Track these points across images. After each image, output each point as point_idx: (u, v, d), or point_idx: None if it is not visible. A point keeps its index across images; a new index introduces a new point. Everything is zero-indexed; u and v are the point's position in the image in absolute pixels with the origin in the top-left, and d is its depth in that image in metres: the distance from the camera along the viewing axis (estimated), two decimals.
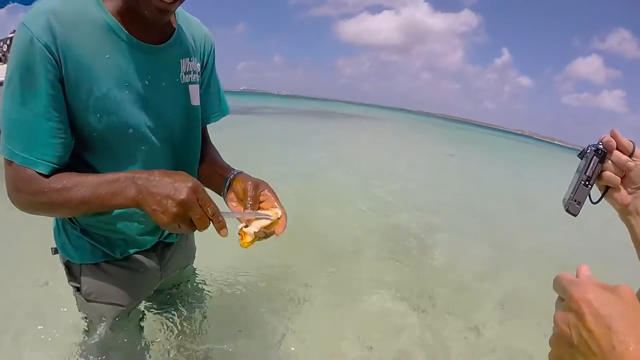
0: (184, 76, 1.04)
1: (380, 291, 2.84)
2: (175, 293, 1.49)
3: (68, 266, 1.12)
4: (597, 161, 0.78)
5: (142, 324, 1.36)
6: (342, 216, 4.41)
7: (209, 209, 0.82)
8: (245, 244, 0.88)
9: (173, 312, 1.51)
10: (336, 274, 3.02)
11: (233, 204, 1.02)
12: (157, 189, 0.81)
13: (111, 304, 1.14)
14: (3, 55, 8.59)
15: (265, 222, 0.90)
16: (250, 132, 11.25)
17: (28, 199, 0.89)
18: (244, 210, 0.96)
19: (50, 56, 0.82)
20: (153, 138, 1.00)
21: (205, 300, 1.66)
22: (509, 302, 2.98)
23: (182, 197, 0.79)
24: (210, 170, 1.15)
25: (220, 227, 0.84)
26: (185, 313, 1.54)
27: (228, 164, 1.17)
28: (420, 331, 2.45)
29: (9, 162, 0.87)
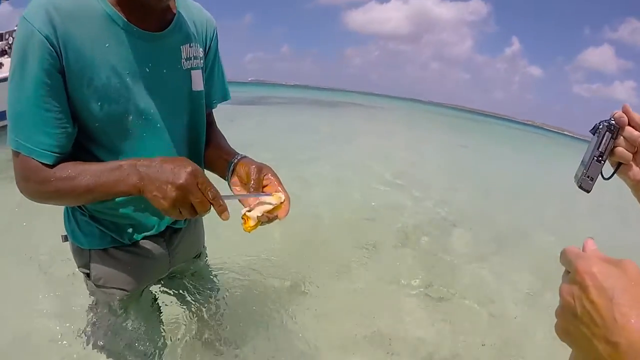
0: (185, 62, 1.05)
1: (401, 285, 2.85)
2: (188, 280, 1.50)
3: (78, 252, 1.13)
4: (609, 137, 0.77)
5: (154, 308, 1.38)
6: (354, 208, 4.39)
7: (209, 192, 0.82)
8: (249, 228, 0.88)
9: (187, 298, 1.53)
10: (359, 266, 3.03)
11: (237, 188, 1.02)
12: (157, 174, 0.82)
13: (119, 288, 1.16)
14: (9, 48, 8.67)
15: (269, 207, 0.89)
16: (259, 123, 11.24)
17: (36, 187, 0.91)
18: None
19: (51, 47, 0.84)
20: (156, 125, 1.01)
21: (218, 289, 1.68)
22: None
23: (180, 181, 0.80)
24: (216, 155, 1.15)
25: (221, 210, 0.84)
26: (199, 299, 1.56)
27: (233, 148, 1.17)
28: (440, 323, 2.46)
29: (16, 153, 0.90)
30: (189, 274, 1.49)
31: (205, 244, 1.51)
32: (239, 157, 1.07)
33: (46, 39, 0.83)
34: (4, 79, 6.90)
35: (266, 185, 0.97)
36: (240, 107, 15.02)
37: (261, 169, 0.99)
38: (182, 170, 0.81)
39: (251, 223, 0.88)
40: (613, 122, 0.77)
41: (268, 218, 0.91)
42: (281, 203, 0.91)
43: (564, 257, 0.46)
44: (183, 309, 1.58)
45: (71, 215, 1.11)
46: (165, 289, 1.49)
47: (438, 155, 10.00)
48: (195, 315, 1.58)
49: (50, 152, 0.89)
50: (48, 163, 0.89)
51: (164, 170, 0.82)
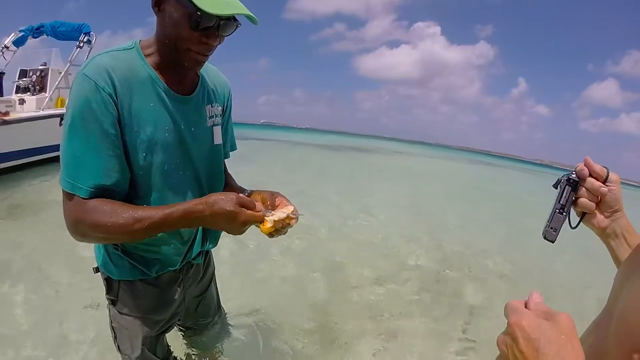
0: (209, 120, 1.22)
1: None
2: (202, 324, 1.63)
3: (108, 281, 1.24)
4: (569, 190, 0.82)
5: (167, 343, 1.47)
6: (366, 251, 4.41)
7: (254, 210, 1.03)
8: (266, 230, 1.05)
9: (197, 340, 1.67)
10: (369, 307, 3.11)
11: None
12: (216, 225, 1.02)
13: (141, 317, 1.26)
14: (32, 85, 9.07)
15: (283, 215, 1.06)
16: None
17: (87, 230, 0.99)
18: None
19: (113, 103, 0.97)
20: (186, 172, 1.17)
21: (231, 334, 1.82)
22: None
23: (240, 232, 1.04)
24: (230, 191, 1.27)
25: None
26: (208, 342, 1.70)
27: (242, 186, 1.38)
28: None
29: (70, 196, 0.99)
30: (201, 318, 1.61)
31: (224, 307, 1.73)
32: (250, 190, 1.26)
33: (109, 95, 0.96)
34: (30, 119, 7.29)
35: (278, 205, 1.14)
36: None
37: (273, 193, 1.18)
38: (228, 220, 1.00)
39: (268, 225, 1.04)
40: (573, 175, 0.82)
41: (282, 224, 1.06)
42: (292, 213, 1.09)
43: (505, 310, 0.49)
44: (191, 347, 1.72)
45: (103, 249, 1.21)
46: (178, 325, 1.61)
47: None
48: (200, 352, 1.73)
49: (92, 189, 0.99)
50: (87, 198, 0.99)
51: (226, 224, 1.01)
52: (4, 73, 9.01)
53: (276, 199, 1.16)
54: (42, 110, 8.08)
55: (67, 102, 1.00)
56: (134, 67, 1.03)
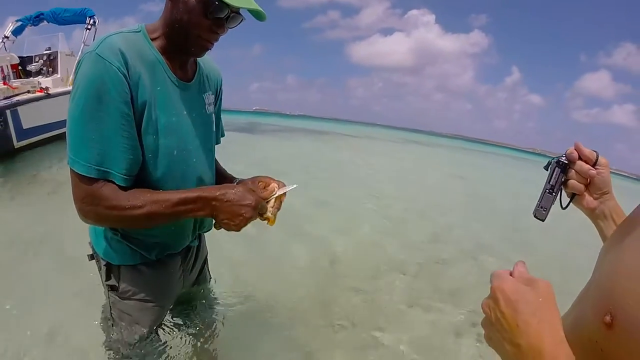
0: (207, 107, 1.24)
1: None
2: (194, 305, 1.62)
3: (108, 267, 1.21)
4: (559, 171, 0.86)
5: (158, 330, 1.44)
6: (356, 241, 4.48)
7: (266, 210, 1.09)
8: (272, 223, 1.11)
9: (189, 322, 1.64)
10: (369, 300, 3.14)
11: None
12: (228, 208, 1.03)
13: (144, 300, 1.25)
14: (45, 68, 9.71)
15: (278, 203, 1.13)
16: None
17: (105, 212, 0.99)
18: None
19: (127, 83, 0.97)
20: (192, 159, 1.17)
21: (220, 315, 1.78)
22: None
23: (248, 215, 1.04)
24: (220, 179, 1.37)
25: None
26: (200, 324, 1.66)
27: (229, 173, 1.42)
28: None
29: (83, 178, 0.97)
30: (196, 303, 1.62)
31: (212, 275, 1.69)
32: (239, 179, 1.30)
33: (124, 76, 0.96)
34: (65, 92, 7.91)
35: (265, 187, 1.16)
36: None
37: (255, 178, 1.20)
38: (248, 203, 1.03)
39: (272, 218, 1.11)
40: (563, 158, 0.86)
41: (278, 207, 1.14)
42: (279, 190, 1.15)
43: (491, 277, 0.52)
44: (182, 336, 1.65)
45: (101, 235, 1.19)
46: (172, 318, 1.59)
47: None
48: (194, 336, 1.66)
49: (126, 177, 1.00)
50: (121, 185, 1.00)
51: (235, 204, 1.02)
52: (22, 58, 9.58)
53: (260, 181, 1.18)
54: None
55: (75, 81, 0.96)
56: (143, 50, 1.03)
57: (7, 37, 9.25)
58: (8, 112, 6.39)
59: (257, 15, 1.06)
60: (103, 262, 1.21)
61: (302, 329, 2.57)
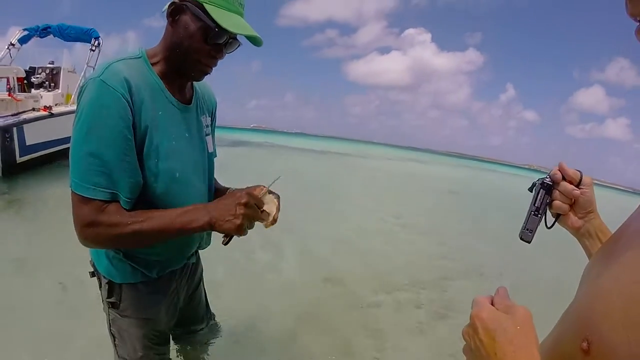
0: (205, 129, 1.27)
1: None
2: (192, 331, 1.63)
3: (110, 285, 1.21)
4: (543, 193, 0.85)
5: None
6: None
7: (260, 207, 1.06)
8: (269, 225, 1.11)
9: (187, 349, 1.67)
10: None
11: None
12: (222, 210, 1.01)
13: (144, 319, 1.26)
14: (47, 82, 10.10)
15: (274, 208, 1.12)
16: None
17: (107, 231, 0.99)
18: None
19: (130, 109, 0.99)
20: (192, 180, 1.19)
21: (221, 341, 1.80)
22: None
23: (243, 201, 1.00)
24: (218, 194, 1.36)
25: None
26: (198, 352, 1.69)
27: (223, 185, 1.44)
28: None
29: (84, 200, 0.98)
30: (193, 323, 1.61)
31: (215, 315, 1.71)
32: (232, 189, 1.32)
33: (127, 102, 0.98)
34: (67, 112, 8.28)
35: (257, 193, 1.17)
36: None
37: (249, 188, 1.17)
38: (240, 196, 1.02)
39: (269, 216, 1.09)
40: (547, 179, 0.86)
41: (278, 208, 1.12)
42: (276, 199, 1.14)
43: (472, 304, 0.53)
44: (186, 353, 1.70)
45: (103, 254, 1.19)
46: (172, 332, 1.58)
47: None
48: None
49: (128, 199, 1.02)
50: (124, 207, 1.01)
51: (227, 201, 1.02)
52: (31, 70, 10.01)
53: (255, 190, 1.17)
54: (58, 105, 9.37)
55: (80, 106, 0.99)
56: (144, 75, 1.06)
57: (12, 45, 9.46)
58: (15, 129, 6.76)
59: (254, 41, 1.10)
60: (105, 280, 1.22)
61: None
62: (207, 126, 1.29)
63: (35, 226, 4.51)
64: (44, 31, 9.61)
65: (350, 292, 3.57)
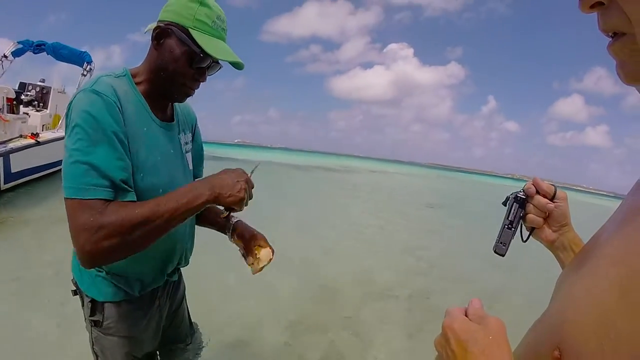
0: (184, 146, 1.28)
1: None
2: (175, 349, 1.61)
3: (93, 303, 1.20)
4: (517, 207, 0.86)
5: None
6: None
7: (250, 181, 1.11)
8: (259, 270, 1.20)
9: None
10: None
11: (240, 242, 1.31)
12: (224, 181, 1.03)
13: (126, 337, 1.24)
14: (36, 101, 10.06)
15: (267, 260, 1.22)
16: None
17: (116, 230, 0.91)
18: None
19: (121, 117, 1.00)
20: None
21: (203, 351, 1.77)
22: None
23: (245, 177, 1.08)
24: (211, 215, 1.40)
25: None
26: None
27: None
28: None
29: (84, 204, 0.91)
30: (178, 341, 1.60)
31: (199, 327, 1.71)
32: (235, 220, 1.32)
33: (119, 110, 0.99)
34: (52, 140, 8.35)
35: (255, 242, 1.27)
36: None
37: (254, 235, 1.29)
38: (239, 175, 1.06)
39: (262, 267, 1.19)
40: (521, 193, 0.86)
41: (270, 259, 1.22)
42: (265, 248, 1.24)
43: (445, 315, 0.52)
44: None
45: (86, 273, 1.19)
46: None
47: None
48: None
49: (132, 192, 1.00)
50: (132, 199, 0.99)
51: (227, 177, 1.05)
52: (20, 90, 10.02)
53: (255, 240, 1.26)
54: (45, 127, 9.55)
55: (72, 115, 0.97)
56: (128, 93, 1.06)
57: (5, 57, 9.37)
58: (1, 159, 6.78)
59: (237, 65, 1.12)
60: (88, 299, 1.20)
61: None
62: (186, 143, 1.30)
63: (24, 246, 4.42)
64: (38, 47, 9.57)
65: (335, 302, 3.63)
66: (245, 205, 1.08)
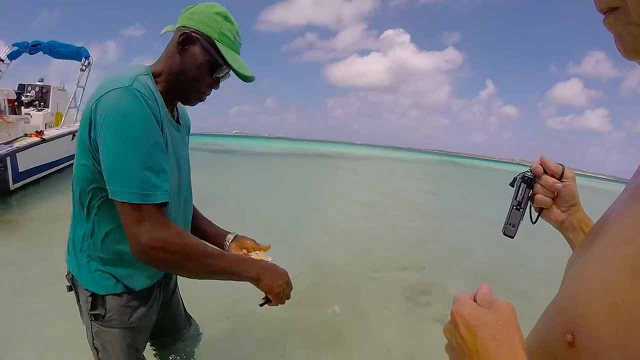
0: (187, 147, 1.33)
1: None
2: (177, 338, 1.65)
3: (94, 297, 1.20)
4: (524, 187, 0.84)
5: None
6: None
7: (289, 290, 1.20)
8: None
9: (175, 354, 1.65)
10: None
11: (238, 252, 1.38)
12: (271, 273, 1.12)
13: (128, 327, 1.25)
14: (36, 101, 10.10)
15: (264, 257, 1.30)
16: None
17: (178, 239, 1.02)
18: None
19: (159, 119, 1.04)
20: (182, 197, 1.25)
21: (203, 346, 1.79)
22: None
23: (286, 279, 1.16)
24: (210, 230, 1.46)
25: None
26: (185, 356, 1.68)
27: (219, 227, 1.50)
28: None
29: (148, 208, 0.98)
30: (175, 331, 1.65)
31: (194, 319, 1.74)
32: (234, 235, 1.41)
33: (156, 115, 1.02)
34: (57, 136, 8.45)
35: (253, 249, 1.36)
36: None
37: (240, 239, 1.39)
38: (284, 274, 1.16)
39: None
40: (528, 173, 0.84)
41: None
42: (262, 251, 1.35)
43: (453, 301, 0.52)
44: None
45: (85, 267, 1.19)
46: (153, 344, 1.63)
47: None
48: None
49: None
50: (166, 201, 1.03)
51: (275, 271, 1.14)
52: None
53: (256, 248, 1.36)
54: (48, 125, 9.63)
55: (114, 113, 0.95)
56: (153, 92, 1.06)
57: (2, 60, 9.32)
58: (8, 159, 6.83)
59: (249, 79, 1.17)
60: (88, 293, 1.20)
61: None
62: (187, 144, 1.33)
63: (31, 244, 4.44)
64: (33, 48, 9.51)
65: (332, 281, 3.73)
66: (281, 303, 1.17)
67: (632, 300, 0.39)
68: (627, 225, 0.46)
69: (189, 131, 1.38)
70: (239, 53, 1.17)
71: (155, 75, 1.12)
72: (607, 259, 0.47)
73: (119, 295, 1.21)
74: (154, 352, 1.63)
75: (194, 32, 1.10)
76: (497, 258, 5.03)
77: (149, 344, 1.54)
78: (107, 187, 0.99)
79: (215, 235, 1.43)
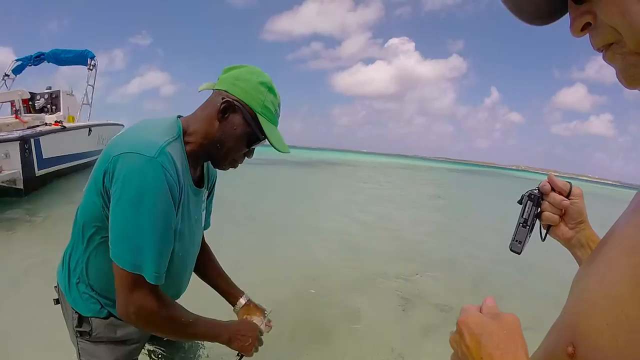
0: (203, 205, 1.28)
1: None
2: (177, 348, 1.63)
3: (79, 315, 1.17)
4: (531, 205, 0.85)
5: None
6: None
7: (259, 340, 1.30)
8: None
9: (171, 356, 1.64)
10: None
11: (247, 316, 1.41)
12: (240, 334, 1.22)
13: (116, 341, 1.21)
14: (48, 106, 10.23)
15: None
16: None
17: (161, 322, 1.05)
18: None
19: (177, 195, 1.01)
20: (189, 260, 1.23)
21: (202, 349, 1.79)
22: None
23: (255, 335, 1.26)
24: (226, 288, 1.47)
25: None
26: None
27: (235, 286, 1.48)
28: None
29: (141, 282, 0.97)
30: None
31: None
32: (246, 300, 1.43)
33: (178, 192, 1.00)
34: (78, 127, 8.68)
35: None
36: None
37: (248, 305, 1.42)
38: (253, 331, 1.26)
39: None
40: (535, 191, 0.86)
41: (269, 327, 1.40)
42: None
43: (460, 312, 0.53)
44: None
45: (74, 287, 1.16)
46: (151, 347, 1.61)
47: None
48: None
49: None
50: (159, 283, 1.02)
51: (242, 329, 1.24)
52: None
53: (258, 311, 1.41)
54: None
55: (138, 184, 0.93)
56: (181, 160, 1.03)
57: (7, 75, 9.63)
58: (32, 140, 6.79)
59: (285, 152, 1.15)
60: (74, 311, 1.17)
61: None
62: (204, 201, 1.28)
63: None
64: (37, 59, 9.76)
65: (329, 283, 3.78)
66: (256, 352, 1.28)
67: (632, 311, 0.39)
68: (630, 236, 0.46)
69: (214, 185, 1.36)
70: (277, 125, 1.14)
71: (186, 134, 1.08)
72: (610, 270, 0.46)
73: (105, 318, 1.18)
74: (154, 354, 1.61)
75: (236, 100, 1.06)
76: (495, 270, 4.99)
77: (149, 344, 1.54)
78: (110, 246, 0.98)
79: (228, 295, 1.46)
